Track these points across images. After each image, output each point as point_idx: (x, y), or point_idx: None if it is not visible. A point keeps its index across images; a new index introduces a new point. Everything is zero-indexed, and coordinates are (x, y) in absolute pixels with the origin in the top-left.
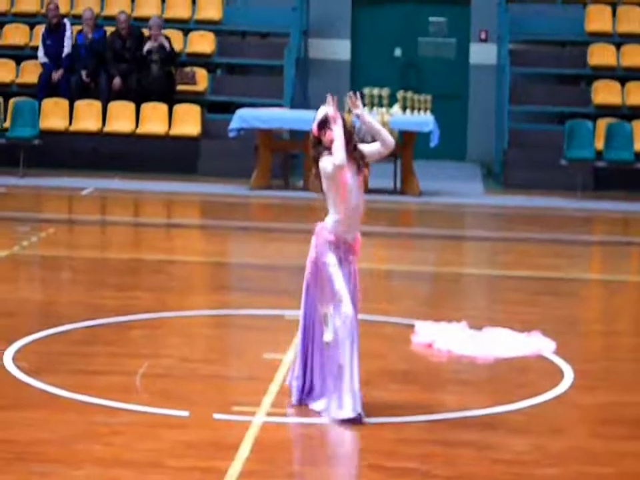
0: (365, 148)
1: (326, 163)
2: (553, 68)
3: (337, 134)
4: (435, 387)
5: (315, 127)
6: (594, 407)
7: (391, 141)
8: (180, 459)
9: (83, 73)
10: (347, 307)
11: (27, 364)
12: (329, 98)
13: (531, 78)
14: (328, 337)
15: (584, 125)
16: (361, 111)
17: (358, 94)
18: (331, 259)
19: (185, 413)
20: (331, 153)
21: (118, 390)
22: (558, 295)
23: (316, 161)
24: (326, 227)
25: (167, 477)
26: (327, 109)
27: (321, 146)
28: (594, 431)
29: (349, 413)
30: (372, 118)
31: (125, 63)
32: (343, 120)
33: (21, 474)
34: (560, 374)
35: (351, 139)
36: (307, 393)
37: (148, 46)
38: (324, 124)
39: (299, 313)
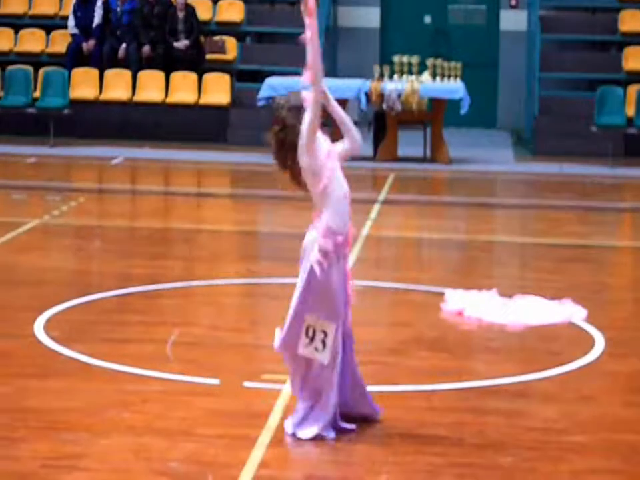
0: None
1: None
2: (583, 34)
3: (310, 37)
4: (465, 355)
5: (284, 111)
6: (624, 375)
7: (359, 139)
8: (210, 427)
9: (122, 48)
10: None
11: (58, 333)
12: None
13: (561, 44)
14: (325, 358)
15: (614, 91)
16: (322, 85)
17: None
18: (336, 272)
19: (216, 382)
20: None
21: (148, 358)
22: (589, 262)
23: (285, 153)
24: (330, 228)
25: (197, 444)
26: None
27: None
28: (624, 398)
29: (313, 431)
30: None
31: (153, 30)
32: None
33: (52, 442)
34: (591, 341)
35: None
36: None
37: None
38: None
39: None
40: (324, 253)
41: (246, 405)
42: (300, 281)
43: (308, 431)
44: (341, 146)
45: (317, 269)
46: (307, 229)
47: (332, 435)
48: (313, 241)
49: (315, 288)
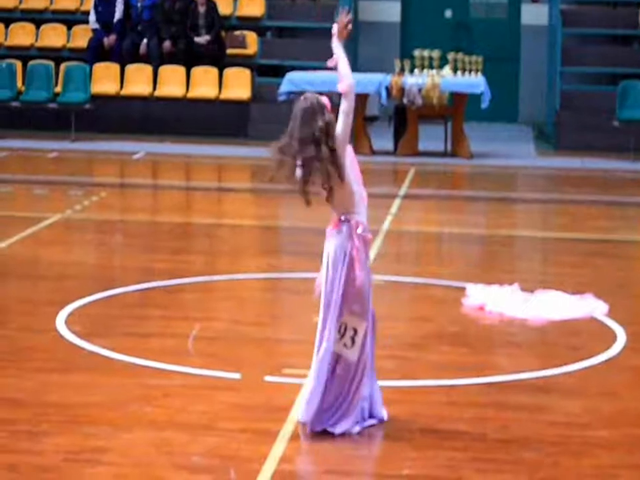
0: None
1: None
2: (604, 28)
3: (339, 54)
4: (487, 350)
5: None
6: None
7: (348, 79)
8: (232, 421)
9: (143, 43)
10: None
11: (80, 327)
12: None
13: (582, 39)
14: (354, 355)
15: (636, 85)
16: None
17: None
18: (366, 270)
19: (237, 376)
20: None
21: (170, 353)
22: (610, 257)
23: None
24: (362, 223)
25: (218, 439)
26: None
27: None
28: None
29: (343, 427)
30: (343, 58)
31: (174, 25)
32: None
33: (74, 436)
34: (612, 336)
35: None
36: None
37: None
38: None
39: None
40: (364, 245)
41: (267, 399)
42: (335, 284)
43: (339, 427)
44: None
45: (358, 264)
46: (329, 235)
47: (357, 429)
48: (342, 244)
49: (353, 285)
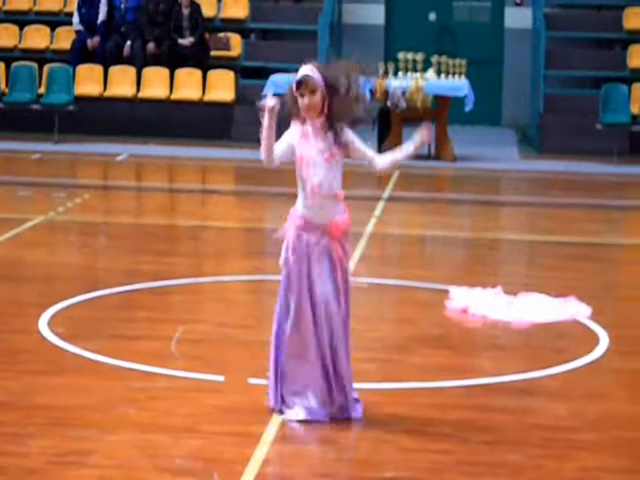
0: (360, 146)
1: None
2: (588, 32)
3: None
4: (470, 353)
5: (294, 82)
6: (630, 372)
7: (381, 168)
8: (215, 423)
9: (127, 45)
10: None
11: (64, 329)
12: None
13: (566, 42)
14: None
15: (619, 89)
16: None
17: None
18: (292, 254)
19: (221, 378)
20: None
21: (155, 355)
22: (594, 260)
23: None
24: (296, 210)
25: (202, 441)
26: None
27: (295, 107)
28: (631, 396)
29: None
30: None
31: (158, 27)
32: (328, 82)
33: (58, 439)
34: (596, 339)
35: (342, 114)
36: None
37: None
38: (299, 85)
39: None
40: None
41: (251, 402)
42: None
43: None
44: (371, 155)
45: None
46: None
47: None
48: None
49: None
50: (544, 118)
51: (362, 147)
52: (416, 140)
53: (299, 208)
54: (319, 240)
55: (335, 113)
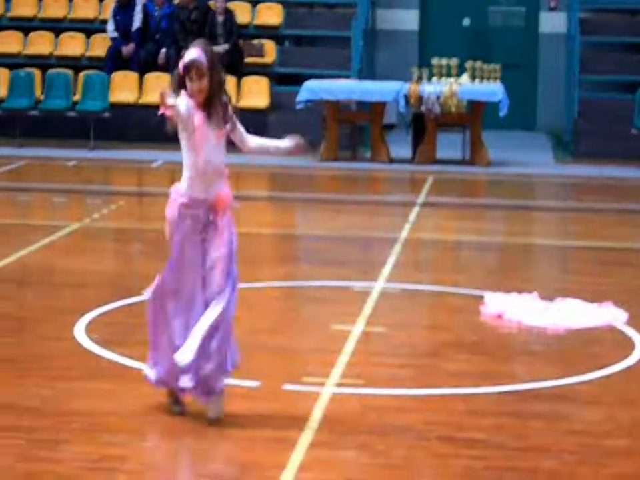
0: (239, 125)
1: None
2: (623, 37)
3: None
4: (505, 358)
5: (181, 66)
6: None
7: (251, 147)
8: (250, 429)
9: (162, 52)
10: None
11: (99, 335)
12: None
13: (600, 47)
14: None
15: None
16: None
17: None
18: (179, 230)
19: (255, 384)
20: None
21: None
22: (630, 265)
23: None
24: (178, 188)
25: (237, 447)
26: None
27: (180, 90)
28: None
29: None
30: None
31: (192, 34)
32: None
33: (92, 445)
34: (631, 345)
35: (221, 90)
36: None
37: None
38: (187, 69)
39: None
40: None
41: (286, 407)
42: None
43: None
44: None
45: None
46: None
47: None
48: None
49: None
50: (578, 123)
51: (240, 125)
52: (289, 144)
53: (183, 185)
54: (206, 215)
55: (216, 91)
